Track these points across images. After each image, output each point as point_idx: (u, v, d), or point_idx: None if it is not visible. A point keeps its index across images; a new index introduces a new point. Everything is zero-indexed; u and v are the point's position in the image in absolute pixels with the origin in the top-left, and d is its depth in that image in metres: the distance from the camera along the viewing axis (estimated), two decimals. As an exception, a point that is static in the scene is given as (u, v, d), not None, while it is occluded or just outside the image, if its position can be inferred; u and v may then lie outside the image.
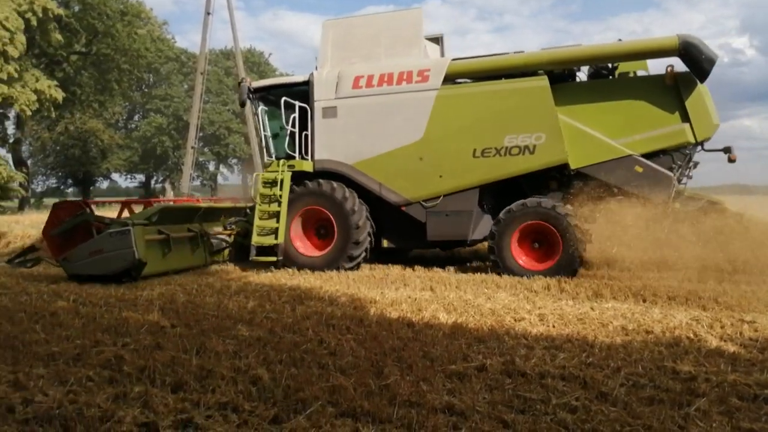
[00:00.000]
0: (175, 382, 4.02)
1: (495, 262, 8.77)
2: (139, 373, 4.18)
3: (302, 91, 10.19)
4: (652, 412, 3.46)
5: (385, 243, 10.30)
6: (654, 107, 8.47)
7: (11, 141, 34.60)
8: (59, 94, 30.23)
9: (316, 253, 9.89)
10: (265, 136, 10.42)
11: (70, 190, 59.35)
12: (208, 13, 22.15)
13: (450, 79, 9.44)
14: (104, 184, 65.06)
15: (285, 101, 9.92)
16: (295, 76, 10.81)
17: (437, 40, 11.09)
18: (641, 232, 7.84)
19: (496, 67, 9.24)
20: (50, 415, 3.44)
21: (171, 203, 12.64)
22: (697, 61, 8.08)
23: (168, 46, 47.19)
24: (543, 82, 8.83)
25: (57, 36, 31.18)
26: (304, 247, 9.99)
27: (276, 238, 9.54)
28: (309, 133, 10.13)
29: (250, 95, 10.55)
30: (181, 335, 5.21)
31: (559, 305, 6.52)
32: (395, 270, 9.19)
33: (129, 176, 60.85)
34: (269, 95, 10.58)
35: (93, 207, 9.73)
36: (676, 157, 8.47)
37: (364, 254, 9.69)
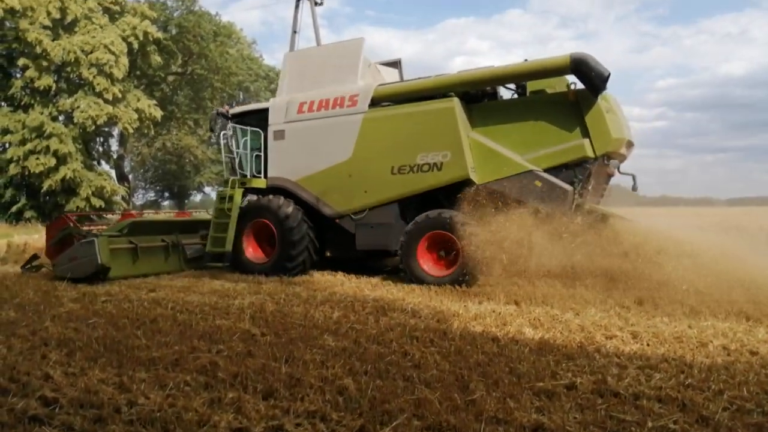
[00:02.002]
0: (266, 389, 4.15)
1: (404, 270, 9.41)
2: (232, 379, 4.35)
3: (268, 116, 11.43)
4: (760, 440, 3.24)
5: (328, 253, 11.60)
6: (557, 124, 8.85)
7: (115, 157, 37.03)
8: (158, 113, 32.15)
9: (264, 260, 10.92)
10: (232, 156, 11.64)
11: (166, 203, 62.77)
12: (295, 32, 22.82)
13: (376, 102, 10.13)
14: (198, 197, 68.41)
15: (236, 127, 11.46)
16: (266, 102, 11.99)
17: (396, 64, 12.26)
18: (538, 241, 8.18)
19: (413, 90, 9.91)
20: (152, 418, 3.63)
21: (143, 217, 13.97)
22: (588, 78, 8.40)
23: (257, 64, 49.12)
24: (449, 103, 9.37)
25: (156, 58, 33.23)
26: (254, 255, 11.10)
27: (224, 246, 10.73)
28: (262, 153, 11.45)
29: (220, 121, 11.85)
30: (270, 343, 5.38)
31: (653, 322, 6.24)
32: (478, 283, 9.06)
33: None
34: (245, 120, 11.76)
35: (75, 220, 11.47)
36: (578, 171, 8.70)
37: (302, 262, 10.54)
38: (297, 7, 22.75)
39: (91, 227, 12.23)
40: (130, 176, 51.07)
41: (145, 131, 34.15)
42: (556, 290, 7.86)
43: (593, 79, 8.37)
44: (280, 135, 11.11)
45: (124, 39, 29.97)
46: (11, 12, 26.46)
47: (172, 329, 6.00)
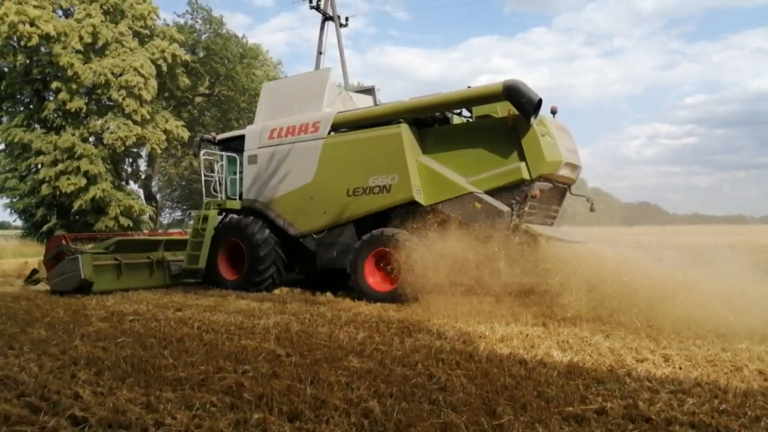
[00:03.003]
0: (291, 410, 4.13)
1: (352, 286, 9.98)
2: (257, 400, 4.35)
3: None
4: (801, 470, 3.12)
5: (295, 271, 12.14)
6: (497, 147, 9.24)
7: (143, 177, 37.71)
8: (185, 133, 32.74)
9: (234, 277, 11.58)
10: (209, 179, 12.53)
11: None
12: (320, 53, 23.12)
13: (336, 128, 10.77)
14: (223, 216, 69.03)
15: (215, 153, 12.55)
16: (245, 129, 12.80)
17: (369, 91, 13.04)
18: (472, 260, 8.50)
19: (366, 117, 10.51)
20: (179, 438, 3.65)
21: (128, 236, 15.17)
22: (519, 104, 8.76)
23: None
24: (396, 129, 9.86)
25: (184, 80, 33.94)
26: (226, 271, 11.75)
27: (198, 264, 11.58)
28: (238, 176, 12.37)
29: (203, 146, 12.73)
30: (295, 364, 5.37)
31: (685, 345, 6.09)
32: (504, 304, 8.98)
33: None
34: (230, 145, 12.67)
35: (68, 239, 12.72)
36: (515, 193, 9.01)
37: (269, 278, 11.11)
38: (322, 28, 23.07)
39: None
40: (158, 196, 51.93)
41: (173, 151, 34.78)
42: (473, 306, 8.26)
43: (524, 105, 8.72)
44: (253, 159, 11.85)
45: (153, 62, 30.68)
46: (46, 38, 27.29)
47: (198, 349, 6.03)
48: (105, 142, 29.62)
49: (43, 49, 28.61)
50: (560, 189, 10.06)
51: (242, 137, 12.28)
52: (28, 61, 28.67)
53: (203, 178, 12.55)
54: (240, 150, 12.28)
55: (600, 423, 3.89)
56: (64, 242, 12.18)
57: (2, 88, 29.73)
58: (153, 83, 30.17)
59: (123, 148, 29.83)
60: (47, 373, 5.22)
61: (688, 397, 4.38)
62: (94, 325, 7.49)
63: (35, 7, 27.34)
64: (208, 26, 38.83)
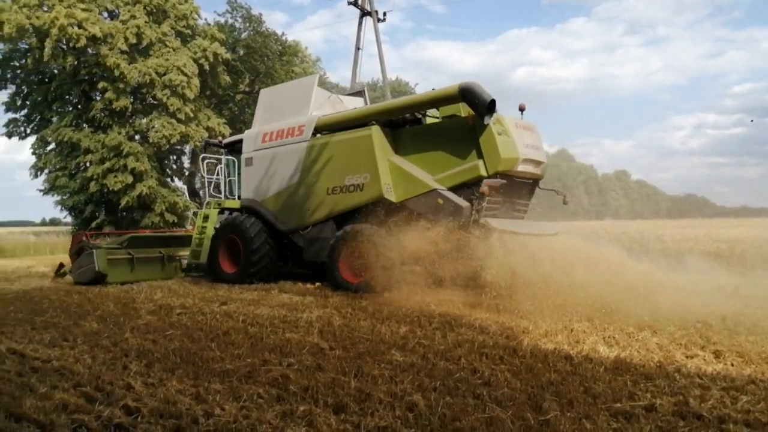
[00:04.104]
0: (336, 403, 4.18)
1: (329, 278, 10.64)
2: (303, 392, 4.41)
3: None
4: None
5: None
6: (459, 146, 9.62)
7: (187, 174, 38.50)
8: (227, 131, 33.27)
9: (233, 270, 12.17)
10: (212, 180, 13.50)
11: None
12: (358, 48, 23.23)
13: (318, 131, 11.41)
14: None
15: (204, 156, 13.76)
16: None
17: (361, 93, 13.78)
18: (436, 253, 8.83)
19: (343, 120, 11.11)
20: (228, 429, 3.73)
21: (143, 233, 16.25)
22: (473, 104, 9.17)
23: (321, 81, 50.14)
24: (367, 131, 10.40)
25: (225, 78, 34.47)
26: (226, 266, 12.36)
27: (199, 259, 12.55)
28: (236, 177, 13.24)
29: (206, 150, 14.04)
30: (339, 357, 5.43)
31: (737, 341, 5.90)
32: (548, 298, 8.87)
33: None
34: (234, 148, 13.43)
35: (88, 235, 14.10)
36: (475, 190, 9.26)
37: (263, 270, 11.77)
38: (360, 23, 23.15)
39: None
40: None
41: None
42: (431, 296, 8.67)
43: (477, 105, 9.11)
44: (249, 161, 12.65)
45: (196, 61, 31.27)
46: (93, 39, 28.11)
47: (244, 342, 6.14)
48: (150, 140, 30.36)
49: (90, 50, 29.48)
50: (526, 184, 10.36)
51: (241, 141, 13.11)
52: (76, 63, 29.56)
53: (206, 179, 13.61)
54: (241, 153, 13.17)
55: (649, 419, 3.82)
56: (84, 238, 13.44)
57: (53, 89, 30.76)
58: (195, 82, 30.74)
59: (167, 145, 30.55)
60: (100, 364, 5.40)
61: (741, 394, 4.26)
62: (144, 318, 7.71)
63: (83, 9, 28.19)
64: (247, 25, 39.29)
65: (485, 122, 9.18)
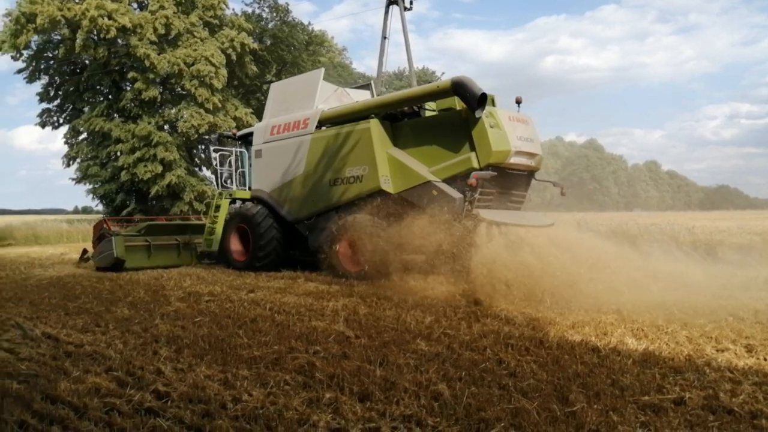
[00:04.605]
0: (362, 391, 4.21)
1: (329, 266, 10.94)
2: (329, 380, 4.45)
3: None
4: None
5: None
6: (454, 139, 9.84)
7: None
8: (254, 120, 33.48)
9: (243, 258, 12.66)
10: (224, 171, 14.05)
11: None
12: (385, 38, 23.12)
13: (322, 124, 11.77)
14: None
15: (215, 148, 14.23)
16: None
17: (367, 86, 14.27)
18: (430, 243, 8.96)
19: (345, 113, 11.38)
20: (255, 414, 3.78)
21: (159, 221, 16.74)
22: (465, 98, 9.40)
23: (348, 71, 50.09)
24: (366, 125, 10.68)
25: (252, 68, 34.67)
26: (237, 253, 12.87)
27: (211, 247, 12.96)
28: (247, 169, 13.76)
29: (218, 142, 14.43)
30: (365, 346, 5.46)
31: (770, 336, 5.78)
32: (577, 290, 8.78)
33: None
34: (248, 140, 13.77)
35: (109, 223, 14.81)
36: (467, 181, 9.41)
37: (269, 256, 12.19)
38: (387, 12, 23.03)
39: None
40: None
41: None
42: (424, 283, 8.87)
43: (469, 99, 9.33)
44: (259, 153, 13.09)
45: (223, 51, 31.49)
46: (123, 30, 28.50)
47: (271, 329, 6.22)
48: (179, 129, 30.75)
49: (120, 41, 29.91)
50: (522, 176, 10.48)
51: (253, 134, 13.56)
52: (106, 53, 30.01)
53: (218, 171, 14.11)
54: (218, 148, 14.08)
55: (678, 413, 3.77)
56: (105, 226, 14.12)
57: (84, 79, 31.31)
58: (223, 72, 30.99)
59: (196, 135, 30.90)
60: (131, 349, 5.51)
61: (774, 389, 4.18)
62: (173, 304, 7.84)
63: (113, 1, 28.57)
64: (274, 14, 39.41)
65: (477, 115, 9.40)
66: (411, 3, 23.53)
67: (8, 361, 5.11)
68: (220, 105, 31.24)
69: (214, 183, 36.41)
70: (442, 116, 10.47)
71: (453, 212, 9.24)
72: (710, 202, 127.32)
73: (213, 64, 30.27)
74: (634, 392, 4.13)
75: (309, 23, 44.44)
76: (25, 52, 30.63)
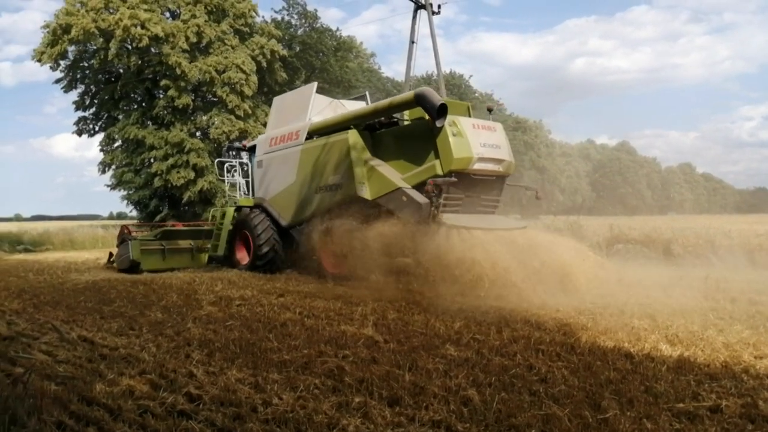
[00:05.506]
0: (391, 395, 4.21)
1: (315, 268, 11.56)
2: (358, 384, 4.46)
3: None
4: None
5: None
6: (421, 147, 10.23)
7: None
8: (283, 126, 33.83)
9: (246, 261, 13.40)
10: (247, 181, 14.76)
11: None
12: (413, 42, 23.16)
13: (311, 136, 12.42)
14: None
15: (219, 161, 15.54)
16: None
17: (363, 97, 14.56)
18: (396, 246, 9.45)
19: (329, 125, 12.02)
20: (285, 418, 3.81)
21: (174, 226, 17.76)
22: (426, 109, 9.85)
23: (376, 76, 50.30)
24: (344, 135, 11.26)
25: (282, 74, 35.06)
26: (241, 257, 13.74)
27: (217, 251, 13.94)
28: (251, 178, 14.54)
29: (230, 153, 15.63)
30: (393, 351, 5.46)
31: (812, 343, 5.60)
32: (608, 295, 8.64)
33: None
34: (254, 151, 14.47)
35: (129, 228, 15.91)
36: (433, 188, 9.67)
37: (270, 262, 12.78)
38: (414, 17, 23.07)
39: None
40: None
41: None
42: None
43: (429, 110, 9.77)
44: (260, 164, 13.97)
45: (253, 58, 31.91)
46: (155, 39, 29.09)
47: (301, 333, 6.26)
48: (210, 136, 31.22)
49: (153, 49, 30.51)
50: (491, 181, 10.77)
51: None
52: (140, 62, 30.67)
53: (226, 181, 15.15)
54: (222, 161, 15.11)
55: (714, 421, 3.68)
56: (126, 231, 15.27)
57: (118, 87, 32.02)
58: (254, 79, 31.40)
59: (227, 141, 31.31)
60: (164, 352, 5.61)
61: (816, 398, 4.05)
62: (205, 308, 7.95)
63: (145, 10, 29.21)
64: (303, 21, 39.86)
65: (438, 125, 9.81)
66: (439, 7, 23.55)
67: (46, 364, 5.24)
68: (250, 111, 31.65)
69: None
70: (413, 126, 10.92)
71: (420, 217, 9.63)
72: (747, 205, 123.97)
73: (243, 72, 30.69)
74: (668, 399, 4.05)
75: (337, 29, 44.79)
76: (62, 63, 31.49)
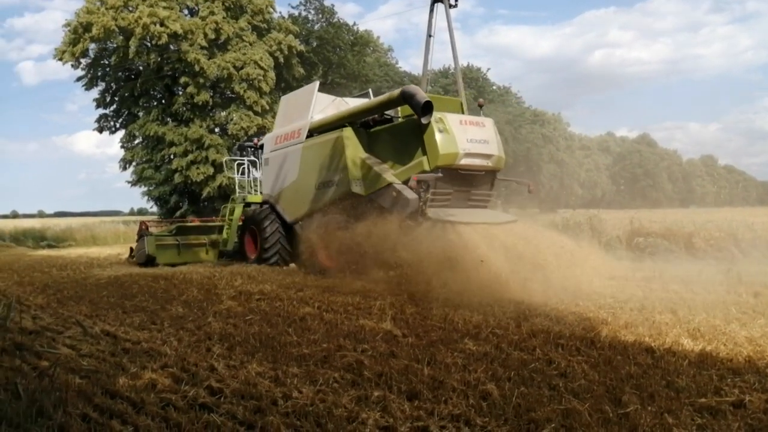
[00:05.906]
0: (410, 389, 4.22)
1: (311, 262, 11.75)
2: (377, 378, 4.48)
3: None
4: None
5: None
6: (411, 144, 10.40)
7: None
8: (301, 122, 33.96)
9: (255, 255, 13.81)
10: (255, 178, 15.50)
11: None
12: (430, 36, 23.05)
13: (311, 134, 12.66)
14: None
15: (228, 159, 16.94)
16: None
17: (366, 94, 14.69)
18: (387, 240, 9.34)
19: (326, 123, 12.29)
20: (305, 411, 3.84)
21: (193, 222, 18.56)
22: (412, 106, 10.02)
23: (393, 70, 50.20)
24: (339, 133, 11.53)
25: (299, 69, 35.16)
26: (250, 251, 14.15)
27: (227, 246, 14.66)
28: (260, 176, 15.12)
29: (250, 149, 15.95)
30: (412, 345, 5.47)
31: (838, 337, 5.50)
32: (627, 288, 8.56)
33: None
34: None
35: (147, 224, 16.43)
36: (421, 183, 9.91)
37: (276, 255, 13.25)
38: (432, 10, 22.94)
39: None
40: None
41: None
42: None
43: (414, 106, 9.93)
44: (267, 162, 14.40)
45: (271, 54, 32.03)
46: (174, 36, 29.33)
47: (320, 327, 6.30)
48: (229, 132, 31.43)
49: (171, 47, 30.78)
50: (481, 176, 10.89)
51: None
52: (159, 59, 30.94)
53: (236, 178, 15.55)
54: (232, 159, 15.60)
55: (737, 416, 3.64)
56: (144, 227, 15.86)
57: (138, 85, 32.36)
58: (271, 75, 31.54)
59: (245, 137, 31.54)
60: (185, 346, 5.68)
61: (842, 393, 3.98)
62: (225, 303, 8.02)
63: (164, 8, 29.45)
64: (320, 16, 39.92)
65: (424, 122, 9.96)
66: (456, 0, 23.36)
67: (71, 357, 5.34)
68: (268, 107, 31.79)
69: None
70: (404, 123, 11.09)
71: (409, 212, 9.80)
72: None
73: (261, 68, 30.84)
74: (690, 394, 4.01)
75: (354, 24, 44.79)
76: (83, 61, 31.90)
